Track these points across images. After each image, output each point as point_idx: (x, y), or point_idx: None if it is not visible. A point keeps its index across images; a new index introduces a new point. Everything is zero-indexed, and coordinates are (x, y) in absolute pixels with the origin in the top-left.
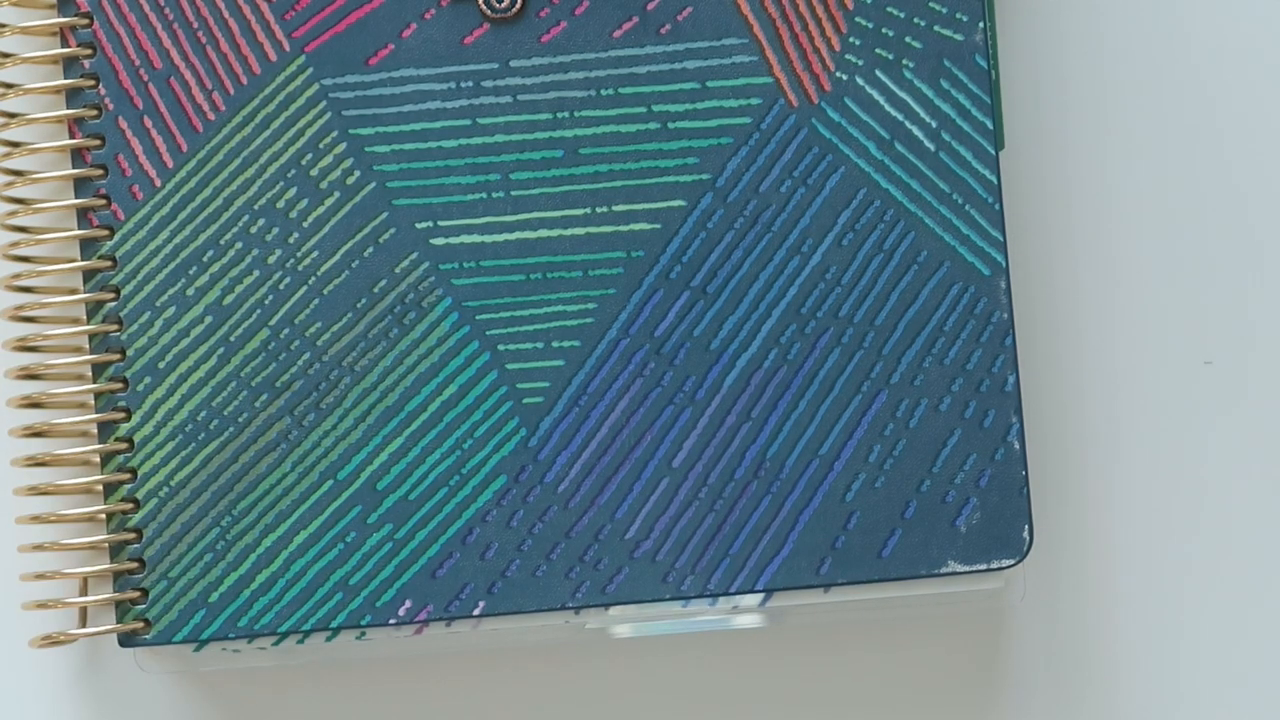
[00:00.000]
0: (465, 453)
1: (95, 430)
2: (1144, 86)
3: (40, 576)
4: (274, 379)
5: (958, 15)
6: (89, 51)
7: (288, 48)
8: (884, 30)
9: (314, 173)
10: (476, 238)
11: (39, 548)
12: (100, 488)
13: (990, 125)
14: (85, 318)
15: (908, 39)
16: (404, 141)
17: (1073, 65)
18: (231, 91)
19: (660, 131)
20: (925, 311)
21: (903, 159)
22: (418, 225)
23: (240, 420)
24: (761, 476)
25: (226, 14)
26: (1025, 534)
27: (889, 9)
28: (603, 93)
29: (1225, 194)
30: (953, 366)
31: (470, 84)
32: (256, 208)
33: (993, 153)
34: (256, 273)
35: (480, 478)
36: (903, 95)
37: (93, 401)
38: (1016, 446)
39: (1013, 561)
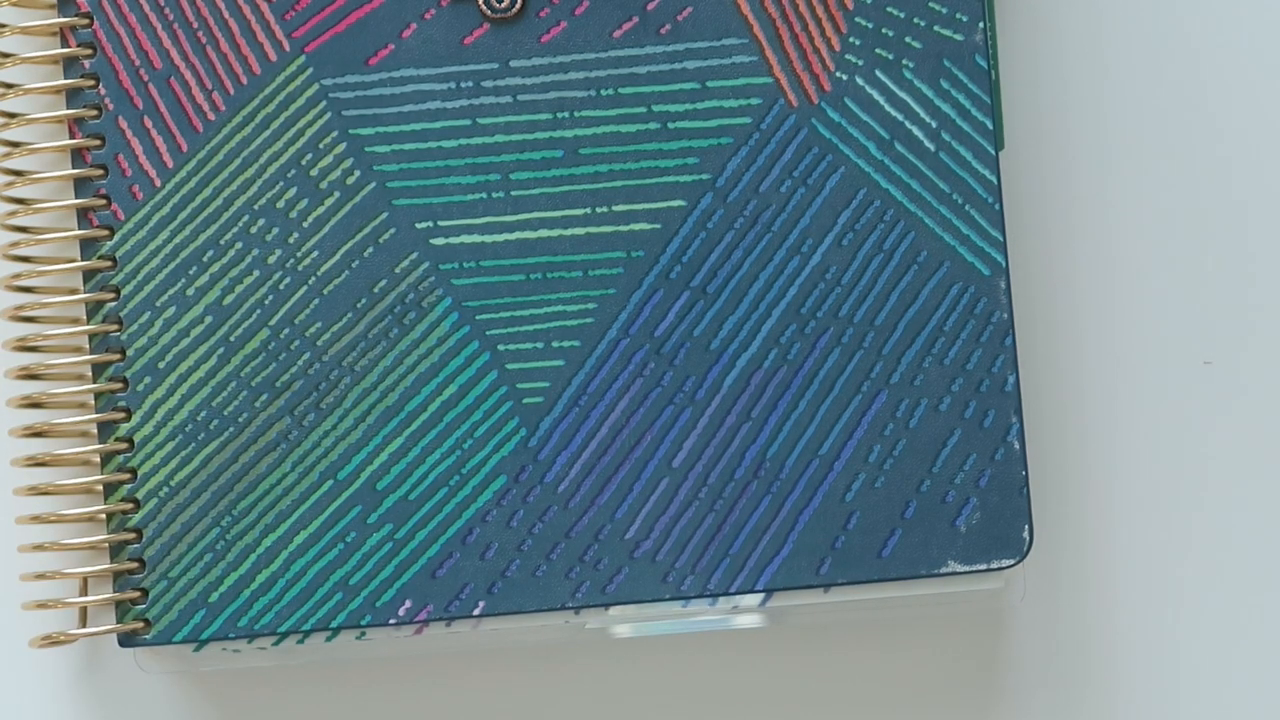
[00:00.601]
0: (465, 453)
1: (95, 430)
2: (1144, 86)
3: (40, 576)
4: (274, 379)
5: (958, 15)
6: (89, 51)
7: (288, 48)
8: (884, 30)
9: (314, 173)
10: (476, 238)
11: (39, 548)
12: (100, 488)
13: (990, 125)
14: (85, 318)
15: (908, 39)
16: (404, 141)
17: (1073, 65)
18: (231, 91)
19: (660, 131)
20: (925, 311)
21: (903, 159)
22: (418, 225)
23: (240, 420)
24: (761, 476)
25: (226, 14)
26: (1025, 534)
27: (889, 9)
28: (603, 93)
29: (1225, 194)
30: (953, 366)
31: (470, 84)
32: (256, 208)
33: (993, 153)
34: (256, 273)
35: (480, 478)
36: (903, 95)
37: (93, 401)
38: (1016, 446)
39: (1013, 561)
